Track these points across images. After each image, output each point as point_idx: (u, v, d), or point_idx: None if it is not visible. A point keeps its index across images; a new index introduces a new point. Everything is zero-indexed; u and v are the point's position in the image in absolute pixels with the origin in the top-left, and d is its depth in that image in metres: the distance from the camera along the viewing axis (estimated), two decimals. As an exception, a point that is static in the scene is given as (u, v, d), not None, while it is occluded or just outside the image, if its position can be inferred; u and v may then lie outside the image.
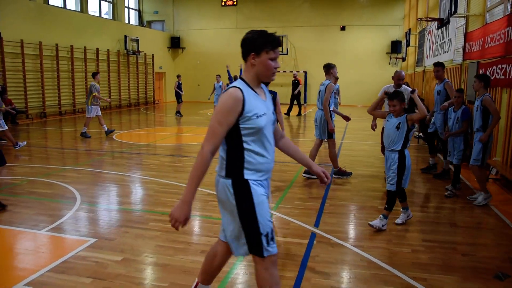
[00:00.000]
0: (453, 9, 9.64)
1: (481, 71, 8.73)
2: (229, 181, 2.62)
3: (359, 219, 5.50)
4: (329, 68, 7.76)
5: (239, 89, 2.51)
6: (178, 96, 18.97)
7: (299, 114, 19.62)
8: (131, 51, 23.69)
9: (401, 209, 5.32)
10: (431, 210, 6.03)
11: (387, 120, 5.16)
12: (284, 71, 25.85)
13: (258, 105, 2.55)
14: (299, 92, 19.67)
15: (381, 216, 5.09)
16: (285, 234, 4.90)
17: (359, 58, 25.93)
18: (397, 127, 4.97)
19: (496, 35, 7.99)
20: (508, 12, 8.55)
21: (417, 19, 12.77)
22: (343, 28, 26.42)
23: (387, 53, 25.95)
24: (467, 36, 10.26)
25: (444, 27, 11.71)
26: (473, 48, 9.61)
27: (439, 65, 8.08)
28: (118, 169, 8.18)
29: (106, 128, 12.51)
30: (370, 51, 26.04)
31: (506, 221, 5.42)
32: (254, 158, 2.58)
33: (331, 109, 7.55)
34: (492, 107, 5.95)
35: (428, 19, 11.28)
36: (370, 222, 5.10)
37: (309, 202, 6.15)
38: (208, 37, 28.52)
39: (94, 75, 12.52)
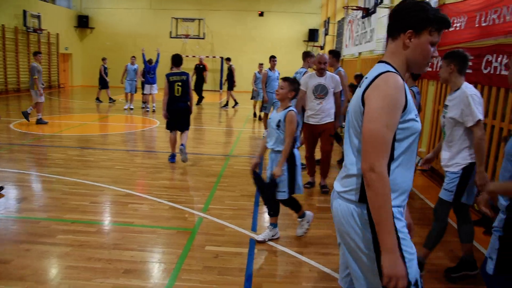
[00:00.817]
0: (379, 0, 9.57)
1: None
2: (362, 209, 1.84)
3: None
4: (305, 56, 7.44)
5: (398, 74, 1.78)
6: (102, 81, 17.05)
7: (199, 103, 17.66)
8: (31, 29, 21.26)
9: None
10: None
11: (270, 118, 4.32)
12: (200, 56, 24.93)
13: (411, 102, 1.81)
14: (203, 78, 17.88)
15: (270, 226, 4.38)
16: (221, 242, 4.30)
17: (276, 45, 25.77)
18: (278, 125, 4.13)
19: (423, 26, 7.97)
20: (436, 5, 8.61)
21: (343, 7, 12.65)
22: (261, 14, 26.08)
23: (304, 41, 26.12)
24: (391, 26, 10.29)
25: (365, 18, 11.72)
26: (398, 39, 9.63)
27: (330, 53, 7.35)
28: (16, 166, 6.96)
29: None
30: (288, 38, 26.03)
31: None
32: (403, 175, 1.84)
33: None
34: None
35: (354, 7, 11.19)
36: (258, 237, 4.31)
37: (241, 201, 5.58)
38: (120, 17, 26.61)
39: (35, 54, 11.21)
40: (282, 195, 4.21)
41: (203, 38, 25.76)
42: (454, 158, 3.54)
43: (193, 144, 9.35)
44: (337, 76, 6.04)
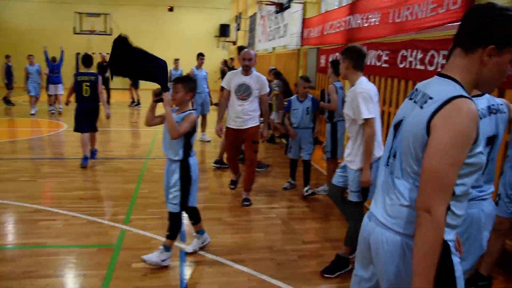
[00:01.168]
0: (292, -5, 9.64)
1: (323, 57, 8.90)
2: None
3: (228, 225, 4.86)
4: (239, 52, 7.00)
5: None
6: (8, 80, 14.99)
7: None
8: None
9: (193, 234, 4.14)
10: (298, 205, 5.73)
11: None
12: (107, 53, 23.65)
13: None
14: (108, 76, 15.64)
15: (161, 247, 3.75)
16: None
17: (188, 41, 25.22)
18: None
19: (337, 22, 8.15)
20: (345, 2, 8.84)
21: (257, 2, 12.60)
22: (171, 9, 25.36)
23: (215, 36, 25.88)
24: (304, 22, 10.43)
25: (279, 13, 11.79)
26: (312, 34, 9.79)
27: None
28: None
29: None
30: (199, 34, 25.59)
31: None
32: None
33: None
34: (331, 96, 5.75)
35: (268, 2, 11.19)
36: (144, 257, 3.72)
37: (165, 208, 5.21)
38: (16, 11, 24.36)
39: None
40: (173, 207, 3.73)
41: (110, 34, 24.40)
42: (353, 155, 3.57)
43: (106, 147, 8.74)
44: (264, 77, 5.35)
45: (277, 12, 11.29)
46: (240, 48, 6.88)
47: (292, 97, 6.14)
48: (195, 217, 4.01)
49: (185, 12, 25.46)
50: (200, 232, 4.10)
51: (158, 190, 5.83)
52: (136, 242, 4.28)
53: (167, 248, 3.74)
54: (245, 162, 5.59)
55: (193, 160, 3.79)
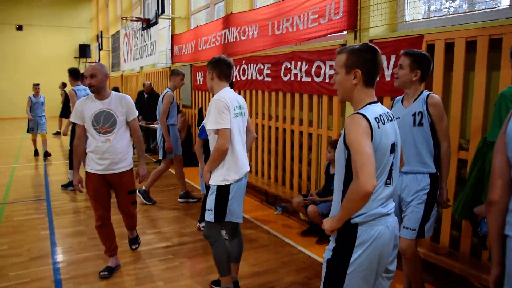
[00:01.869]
0: (160, 10, 9.03)
1: (199, 74, 8.44)
2: None
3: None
4: (171, 75, 5.96)
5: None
6: None
7: None
8: None
9: None
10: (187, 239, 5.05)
11: None
12: None
13: None
14: None
15: None
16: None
17: (44, 63, 22.79)
18: None
19: (212, 37, 7.77)
20: (216, 16, 8.53)
21: (121, 18, 11.69)
22: (19, 28, 22.69)
23: (75, 57, 23.88)
24: (174, 38, 9.89)
25: (146, 30, 11.08)
26: (184, 50, 9.29)
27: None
28: None
29: None
30: (56, 54, 23.29)
31: (280, 237, 4.89)
32: None
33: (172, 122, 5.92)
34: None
35: (134, 18, 10.38)
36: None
37: (34, 268, 4.14)
38: None
39: None
40: None
41: None
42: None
43: None
44: (128, 97, 3.75)
45: (143, 28, 10.56)
46: (172, 71, 6.09)
47: None
48: None
49: (37, 32, 22.97)
50: None
51: (23, 244, 4.56)
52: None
53: None
54: (123, 216, 4.16)
55: None
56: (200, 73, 8.41)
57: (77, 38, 23.72)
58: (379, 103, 2.00)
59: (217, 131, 3.01)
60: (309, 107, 5.26)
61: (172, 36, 10.02)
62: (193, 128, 9.06)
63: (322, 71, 4.81)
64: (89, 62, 22.31)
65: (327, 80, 4.78)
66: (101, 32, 18.55)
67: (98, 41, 18.97)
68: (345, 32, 4.59)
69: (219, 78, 3.23)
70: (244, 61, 6.54)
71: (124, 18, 10.64)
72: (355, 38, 4.43)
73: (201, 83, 8.36)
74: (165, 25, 11.54)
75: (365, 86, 1.92)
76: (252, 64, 6.31)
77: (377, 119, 1.86)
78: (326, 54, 4.77)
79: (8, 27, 22.52)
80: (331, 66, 4.69)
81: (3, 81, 21.36)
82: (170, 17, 10.06)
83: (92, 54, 22.91)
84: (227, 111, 2.99)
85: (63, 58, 23.49)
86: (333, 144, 4.39)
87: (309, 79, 5.04)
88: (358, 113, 1.85)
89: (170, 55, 10.20)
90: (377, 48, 1.94)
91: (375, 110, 1.90)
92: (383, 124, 1.88)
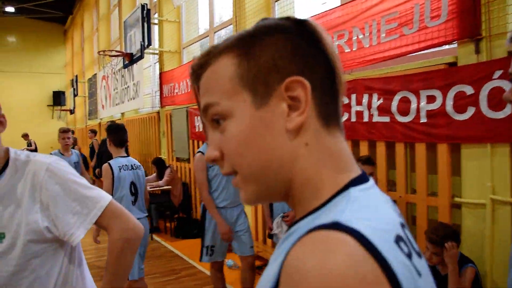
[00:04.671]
0: (146, 42, 7.36)
1: (197, 119, 6.70)
2: None
3: None
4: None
5: None
6: None
7: None
8: None
9: None
10: None
11: None
12: None
13: None
14: None
15: None
16: None
17: (14, 112, 20.74)
18: None
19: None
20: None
21: (99, 53, 10.00)
22: (-13, 75, 20.85)
23: (49, 105, 21.99)
24: (163, 76, 8.18)
25: (127, 68, 9.37)
26: (176, 90, 7.56)
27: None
28: None
29: None
30: (27, 103, 21.31)
31: None
32: None
33: None
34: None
35: (114, 52, 8.66)
36: None
37: None
38: None
39: None
40: None
41: None
42: None
43: None
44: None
45: (125, 66, 8.84)
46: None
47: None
48: None
49: (6, 78, 21.11)
50: None
51: None
52: None
53: None
54: None
55: None
56: (198, 117, 6.65)
57: (50, 84, 21.92)
58: None
59: None
60: (388, 161, 3.50)
61: (161, 73, 8.32)
62: (192, 188, 7.18)
63: (413, 106, 3.11)
64: (63, 110, 20.43)
65: (422, 120, 3.06)
66: (76, 76, 16.83)
67: (73, 87, 17.20)
68: (454, 45, 2.94)
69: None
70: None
71: (102, 53, 8.89)
72: (477, 50, 2.76)
73: (200, 130, 6.59)
74: (150, 63, 9.89)
75: None
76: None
77: None
78: (418, 80, 3.08)
79: (-26, 73, 20.65)
80: (429, 98, 2.99)
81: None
82: (158, 52, 8.40)
83: (66, 101, 21.07)
84: None
85: (35, 107, 21.60)
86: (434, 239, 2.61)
87: (387, 119, 3.32)
88: None
89: (159, 97, 8.46)
90: None
91: None
92: None
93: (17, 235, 1.23)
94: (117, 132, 3.67)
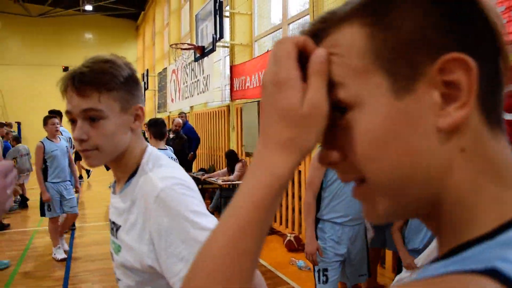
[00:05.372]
0: (218, 35, 7.31)
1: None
2: None
3: None
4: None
5: None
6: None
7: None
8: None
9: None
10: None
11: None
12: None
13: None
14: None
15: None
16: None
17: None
18: None
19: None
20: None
21: (171, 46, 10.17)
22: (66, 69, 22.06)
23: (121, 98, 22.97)
24: (234, 70, 8.11)
25: (198, 61, 9.43)
26: (248, 84, 7.46)
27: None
28: None
29: None
30: (101, 96, 22.49)
31: None
32: None
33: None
34: None
35: (186, 45, 8.73)
36: None
37: None
38: None
39: None
40: None
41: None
42: None
43: None
44: None
45: (196, 59, 8.88)
46: None
47: None
48: None
49: (83, 73, 22.33)
50: None
51: None
52: None
53: None
54: None
55: None
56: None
57: (122, 78, 22.89)
58: None
59: None
60: None
61: (231, 67, 8.25)
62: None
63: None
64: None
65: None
66: (147, 70, 17.32)
67: (143, 80, 17.76)
68: None
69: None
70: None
71: (174, 46, 8.98)
72: None
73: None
74: (220, 57, 9.88)
75: None
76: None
77: None
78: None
79: (55, 68, 21.95)
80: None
81: (46, 124, 20.50)
82: (229, 45, 8.34)
83: (137, 94, 21.88)
84: None
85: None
86: None
87: None
88: None
89: (229, 90, 8.41)
90: None
91: None
92: None
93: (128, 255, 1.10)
94: (156, 126, 3.92)
